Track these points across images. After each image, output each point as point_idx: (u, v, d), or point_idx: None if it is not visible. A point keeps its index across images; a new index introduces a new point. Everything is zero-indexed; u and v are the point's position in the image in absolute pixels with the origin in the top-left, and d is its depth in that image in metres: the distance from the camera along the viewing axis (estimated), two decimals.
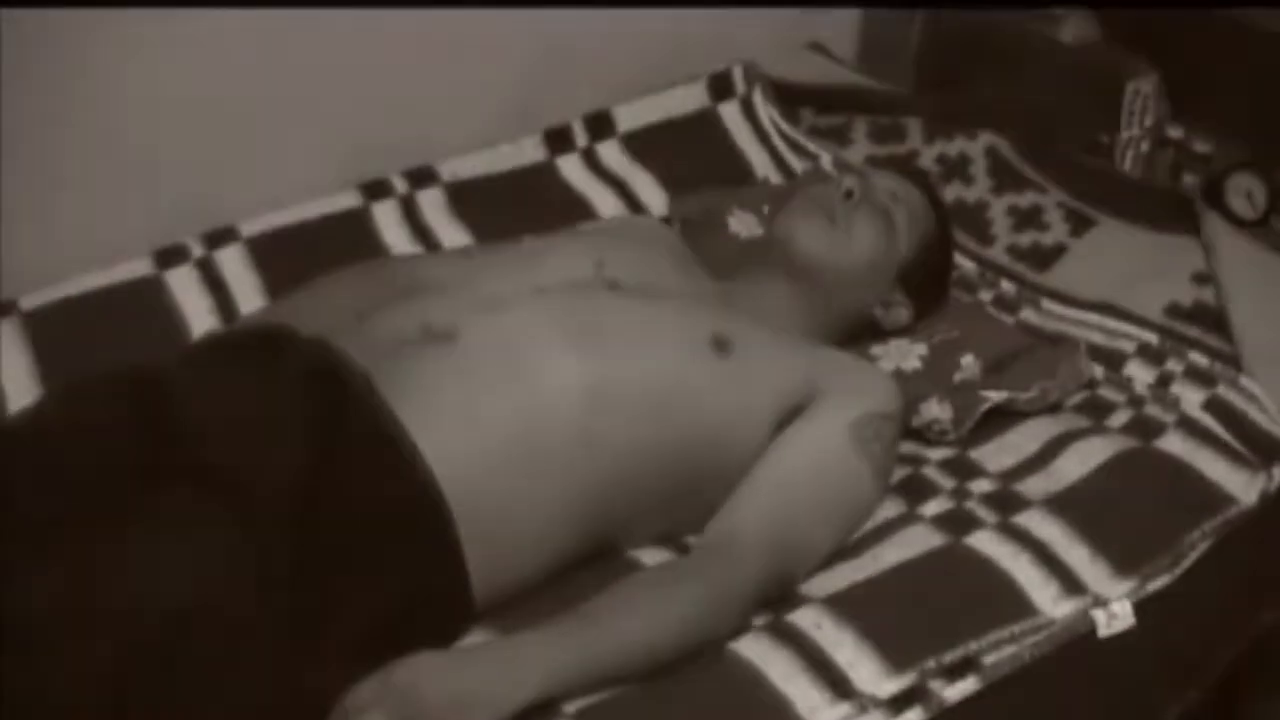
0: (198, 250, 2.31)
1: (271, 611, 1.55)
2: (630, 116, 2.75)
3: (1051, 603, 1.82)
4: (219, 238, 2.33)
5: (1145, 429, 2.12)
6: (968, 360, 2.22)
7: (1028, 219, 2.59)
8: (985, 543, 1.88)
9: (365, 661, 1.56)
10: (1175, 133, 2.90)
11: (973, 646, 1.74)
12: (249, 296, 2.27)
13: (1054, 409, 2.19)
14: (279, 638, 1.55)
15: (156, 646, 1.48)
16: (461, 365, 1.81)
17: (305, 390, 1.73)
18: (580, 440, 1.80)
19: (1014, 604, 1.81)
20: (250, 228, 2.35)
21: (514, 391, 1.80)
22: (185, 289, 2.27)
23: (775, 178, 2.76)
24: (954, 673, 1.73)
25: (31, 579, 1.50)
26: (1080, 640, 1.81)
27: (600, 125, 2.72)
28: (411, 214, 2.47)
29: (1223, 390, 2.17)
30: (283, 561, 1.57)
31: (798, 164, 2.79)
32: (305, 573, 1.58)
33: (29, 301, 2.18)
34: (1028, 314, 2.41)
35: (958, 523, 1.94)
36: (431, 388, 1.77)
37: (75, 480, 1.62)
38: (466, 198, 2.52)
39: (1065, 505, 1.94)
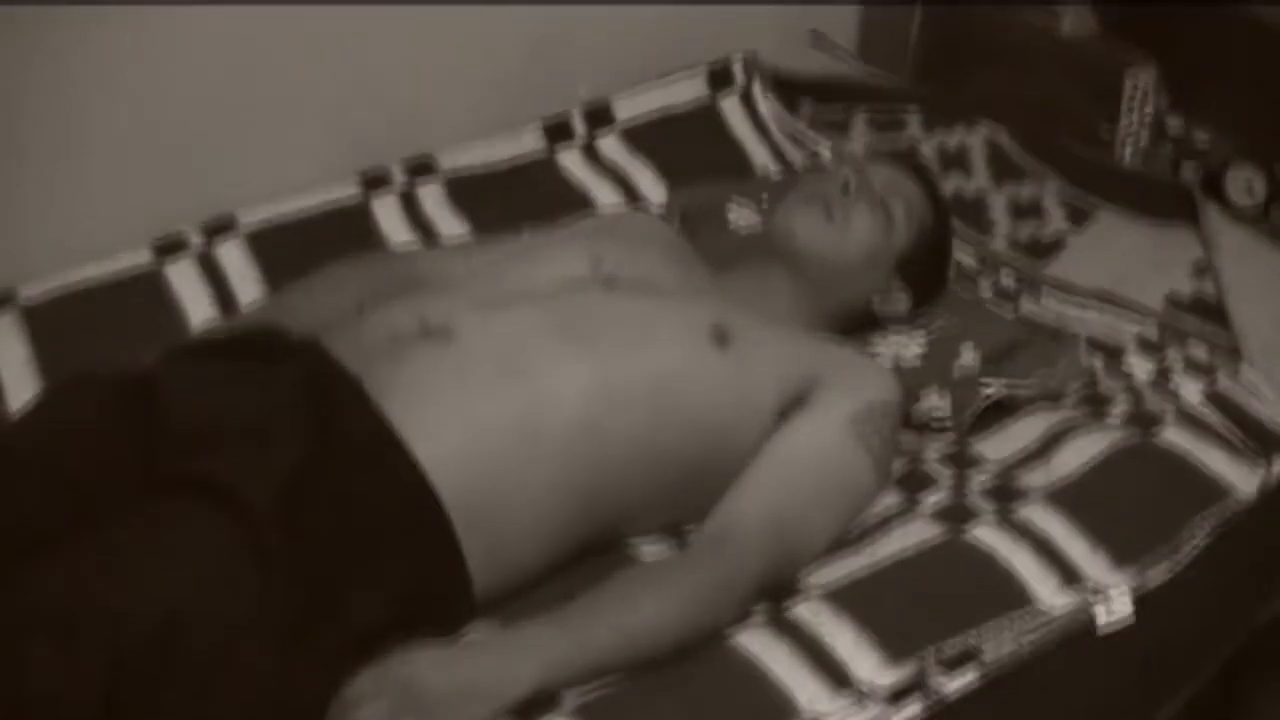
0: (197, 241, 2.31)
1: (270, 612, 1.54)
2: (630, 108, 2.75)
3: (1051, 595, 1.82)
4: (218, 229, 2.32)
5: (1145, 420, 2.12)
6: (967, 351, 2.22)
7: (1027, 210, 2.59)
8: (985, 535, 1.88)
9: (366, 660, 1.56)
10: (1174, 124, 2.90)
11: (972, 638, 1.75)
12: (248, 288, 2.27)
13: (1053, 400, 2.19)
14: (278, 638, 1.54)
15: (152, 647, 1.48)
16: (458, 362, 1.80)
17: (298, 394, 1.72)
18: (580, 437, 1.80)
19: (1013, 596, 1.81)
20: (250, 219, 2.34)
21: (511, 389, 1.79)
22: (185, 280, 2.26)
23: (774, 169, 2.76)
24: (953, 664, 1.73)
25: (25, 581, 1.50)
26: (1079, 632, 1.81)
27: (599, 117, 2.71)
28: (410, 205, 2.47)
29: (1222, 382, 2.17)
30: (281, 563, 1.56)
31: (797, 156, 2.79)
32: (303, 574, 1.57)
33: (28, 292, 2.18)
34: (1027, 305, 2.42)
35: (957, 515, 1.94)
36: (427, 384, 1.78)
37: (71, 486, 1.62)
38: (465, 189, 2.52)
39: (1065, 497, 1.95)
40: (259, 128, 2.41)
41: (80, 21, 2.16)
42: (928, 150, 2.73)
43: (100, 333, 2.14)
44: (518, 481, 1.76)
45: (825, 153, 2.76)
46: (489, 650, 1.63)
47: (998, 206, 2.61)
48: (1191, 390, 2.18)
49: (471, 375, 1.79)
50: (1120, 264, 2.43)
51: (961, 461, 2.08)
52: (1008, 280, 2.47)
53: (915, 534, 1.90)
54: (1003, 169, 2.67)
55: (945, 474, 2.06)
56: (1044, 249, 2.52)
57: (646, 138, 2.72)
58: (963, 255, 2.51)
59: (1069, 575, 1.85)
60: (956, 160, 2.69)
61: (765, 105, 2.85)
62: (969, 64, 3.08)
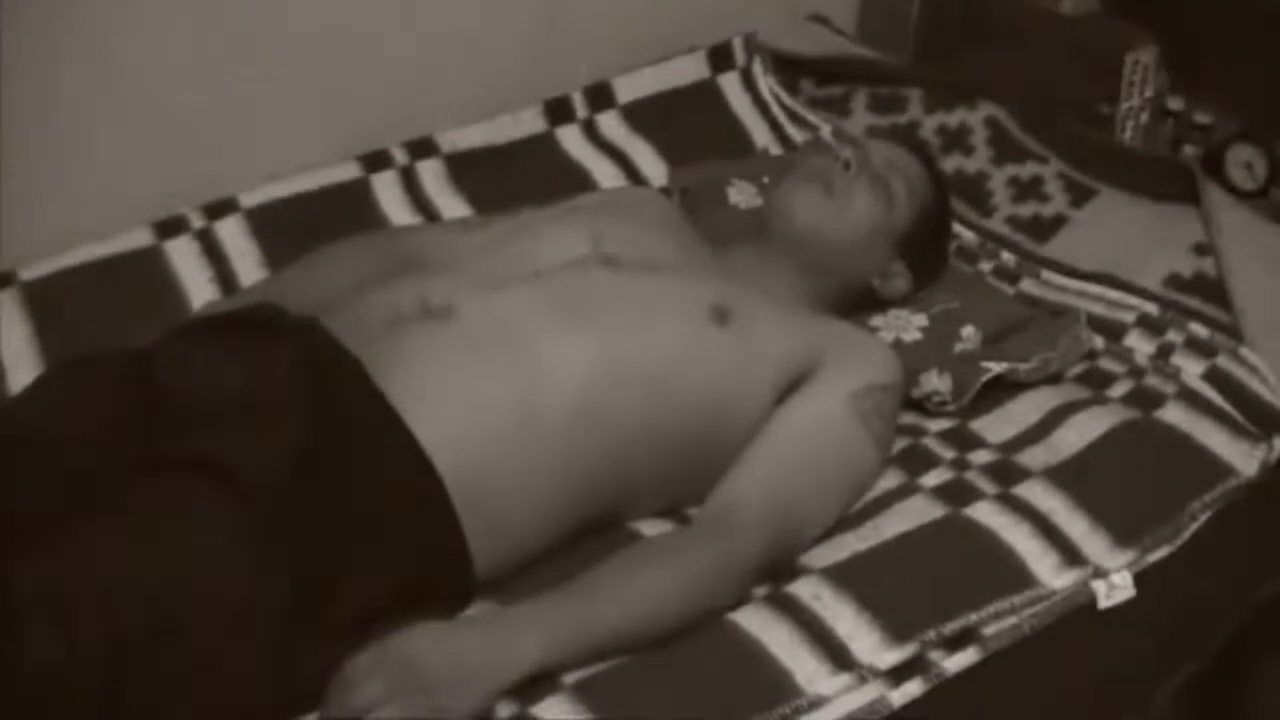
0: (198, 221, 2.31)
1: (271, 590, 1.55)
2: (630, 87, 2.74)
3: (1051, 573, 1.82)
4: (219, 209, 2.32)
5: (1145, 400, 2.12)
6: (968, 331, 2.22)
7: (1028, 190, 2.58)
8: (985, 514, 1.88)
9: (365, 639, 1.56)
10: (1175, 104, 2.90)
11: (973, 617, 1.75)
12: (249, 268, 2.27)
13: (1054, 380, 2.19)
14: (278, 615, 1.55)
15: (152, 626, 1.48)
16: (458, 342, 1.80)
17: (298, 373, 1.72)
18: (580, 416, 1.80)
19: (1014, 575, 1.81)
20: (250, 199, 2.34)
21: (511, 369, 1.79)
22: (185, 260, 2.26)
23: (775, 149, 2.76)
24: (954, 644, 1.73)
25: (25, 561, 1.50)
26: (1080, 611, 1.81)
27: (600, 96, 2.71)
28: (411, 185, 2.47)
29: (1223, 361, 2.17)
30: (280, 542, 1.56)
31: (798, 135, 2.79)
32: (303, 553, 1.58)
33: (28, 272, 2.18)
34: (1028, 284, 2.41)
35: (958, 493, 1.94)
36: (427, 363, 1.78)
37: (71, 466, 1.62)
38: (466, 169, 2.52)
39: (1065, 476, 1.95)
40: (260, 108, 2.40)
41: (79, 1, 2.15)
42: (928, 130, 2.72)
43: (101, 312, 2.14)
44: (519, 461, 1.76)
45: (826, 132, 2.76)
46: (488, 629, 1.63)
47: (998, 186, 2.61)
48: (1192, 370, 2.18)
49: (472, 354, 1.79)
50: (1121, 243, 2.43)
51: (962, 441, 2.08)
52: (1008, 260, 2.46)
53: (916, 513, 1.90)
54: (1003, 149, 2.66)
55: (946, 453, 2.06)
56: (1045, 229, 2.51)
57: (647, 117, 2.71)
58: (963, 235, 2.51)
59: (1070, 554, 1.85)
60: (957, 140, 2.69)
61: (765, 84, 2.85)
62: (969, 43, 3.07)
